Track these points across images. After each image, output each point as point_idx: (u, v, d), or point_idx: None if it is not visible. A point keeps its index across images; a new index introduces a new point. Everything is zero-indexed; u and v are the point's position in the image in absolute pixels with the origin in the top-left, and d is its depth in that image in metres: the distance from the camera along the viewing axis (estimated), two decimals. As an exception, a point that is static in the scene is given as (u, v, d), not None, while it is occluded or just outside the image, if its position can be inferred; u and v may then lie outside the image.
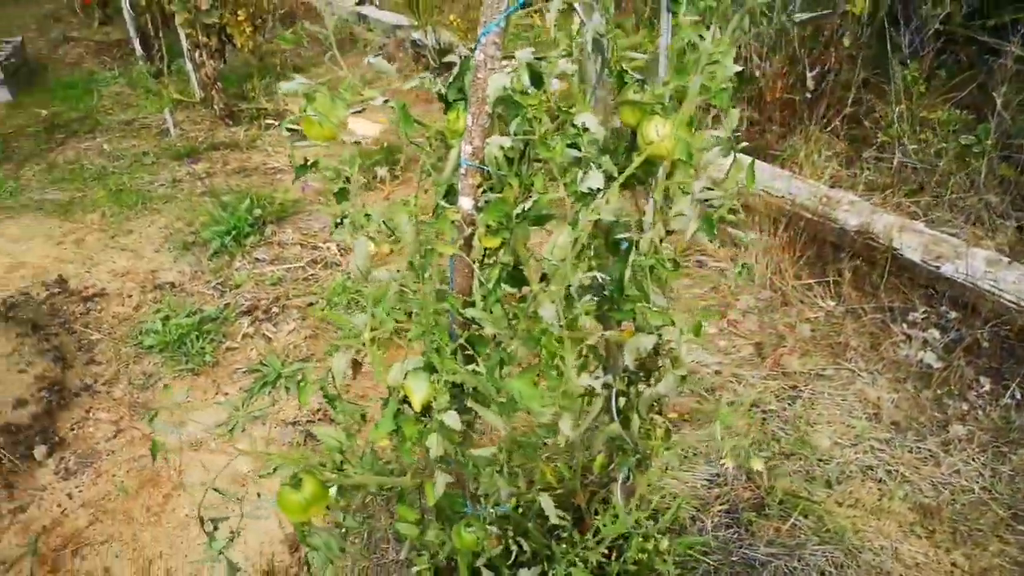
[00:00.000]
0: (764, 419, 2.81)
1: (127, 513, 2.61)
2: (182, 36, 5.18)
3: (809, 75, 3.84)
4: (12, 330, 3.50)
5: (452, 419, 1.59)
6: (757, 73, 3.88)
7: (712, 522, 2.38)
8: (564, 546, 1.97)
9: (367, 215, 1.58)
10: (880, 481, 2.59)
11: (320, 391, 1.77)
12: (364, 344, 1.70)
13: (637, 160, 1.55)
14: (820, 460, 2.65)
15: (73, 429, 2.96)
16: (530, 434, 2.63)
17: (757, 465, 1.73)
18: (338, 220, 1.60)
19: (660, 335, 1.81)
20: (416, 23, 5.76)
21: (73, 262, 3.98)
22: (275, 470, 1.40)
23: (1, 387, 3.16)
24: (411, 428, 1.65)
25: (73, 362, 3.31)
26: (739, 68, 1.56)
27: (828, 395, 2.93)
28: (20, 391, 3.14)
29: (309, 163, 1.61)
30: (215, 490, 1.54)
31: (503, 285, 1.67)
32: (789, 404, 2.89)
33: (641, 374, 1.99)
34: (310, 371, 1.76)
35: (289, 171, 4.76)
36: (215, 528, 1.46)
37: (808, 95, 3.91)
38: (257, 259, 3.87)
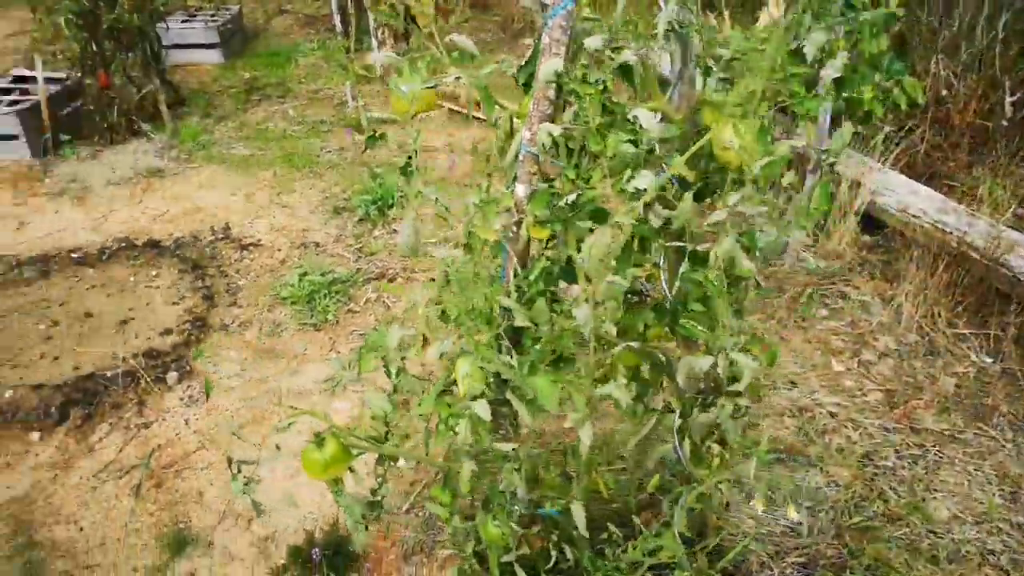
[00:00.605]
0: (875, 475, 2.54)
1: (228, 446, 2.81)
2: (371, 16, 5.47)
3: (1008, 100, 3.38)
4: (176, 266, 3.89)
5: (482, 408, 1.57)
6: (945, 92, 3.48)
7: (781, 573, 2.18)
8: (601, 561, 1.89)
9: (418, 192, 1.58)
10: (1002, 570, 2.25)
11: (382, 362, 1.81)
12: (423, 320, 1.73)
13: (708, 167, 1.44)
14: (932, 532, 2.35)
15: (204, 362, 3.24)
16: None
17: (793, 514, 1.55)
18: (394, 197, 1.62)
19: (730, 358, 1.66)
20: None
21: (240, 213, 4.35)
22: (289, 425, 1.45)
23: (154, 315, 3.52)
24: (445, 410, 1.64)
25: (218, 302, 3.62)
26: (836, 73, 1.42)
27: (959, 461, 2.59)
28: (169, 321, 3.48)
29: (378, 134, 1.63)
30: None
31: (556, 280, 1.61)
32: (910, 463, 2.59)
33: (710, 397, 1.86)
34: (380, 339, 1.79)
35: (444, 150, 4.90)
36: (239, 471, 1.53)
37: (1004, 123, 3.46)
38: (395, 230, 4.02)
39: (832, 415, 2.79)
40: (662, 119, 1.55)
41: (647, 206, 1.42)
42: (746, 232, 1.59)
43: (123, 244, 4.06)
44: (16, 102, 5.01)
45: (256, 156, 4.97)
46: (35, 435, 2.89)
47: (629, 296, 1.70)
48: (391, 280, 3.67)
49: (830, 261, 3.55)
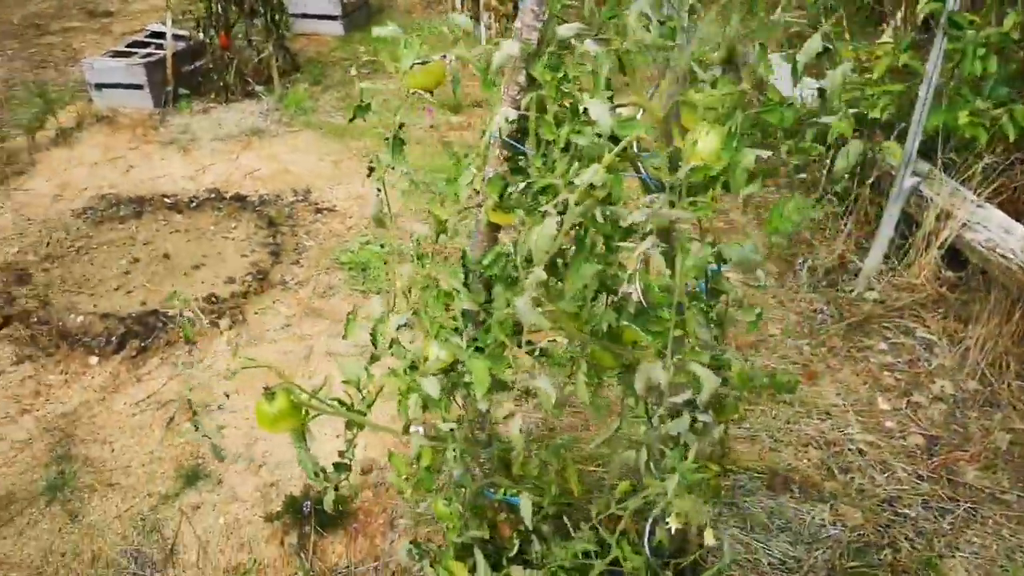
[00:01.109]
0: (892, 522, 2.37)
1: (257, 394, 2.95)
2: (482, -2, 5.55)
3: None
4: (254, 221, 4.10)
5: (430, 384, 1.58)
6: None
7: (756, 604, 2.08)
8: (549, 556, 1.86)
9: (391, 166, 1.60)
10: (1013, 647, 2.06)
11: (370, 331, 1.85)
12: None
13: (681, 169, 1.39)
14: (941, 592, 2.18)
15: (256, 313, 3.41)
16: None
17: (709, 539, 1.48)
18: (370, 165, 1.65)
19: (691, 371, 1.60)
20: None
21: (324, 178, 4.53)
22: (234, 374, 1.51)
23: (223, 264, 3.74)
24: (403, 383, 1.66)
25: (283, 259, 3.80)
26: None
27: (993, 523, 2.37)
28: (235, 271, 3.68)
29: (365, 104, 1.67)
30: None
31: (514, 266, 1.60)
32: (936, 516, 2.40)
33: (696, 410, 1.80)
34: (372, 309, 1.83)
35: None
36: (196, 428, 1.61)
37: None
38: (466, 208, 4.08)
39: (861, 452, 2.62)
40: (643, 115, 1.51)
41: (602, 202, 1.38)
42: (720, 244, 1.53)
43: (212, 195, 4.33)
44: (150, 55, 5.42)
45: (352, 126, 5.15)
46: (94, 359, 3.15)
47: (599, 294, 1.66)
48: (445, 259, 3.73)
49: (903, 293, 3.31)
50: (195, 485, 2.61)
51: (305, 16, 6.76)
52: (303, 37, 6.71)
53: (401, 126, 1.67)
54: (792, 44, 5.09)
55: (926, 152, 3.37)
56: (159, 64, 5.30)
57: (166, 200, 4.27)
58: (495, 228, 1.61)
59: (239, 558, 2.37)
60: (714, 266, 1.65)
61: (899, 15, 4.21)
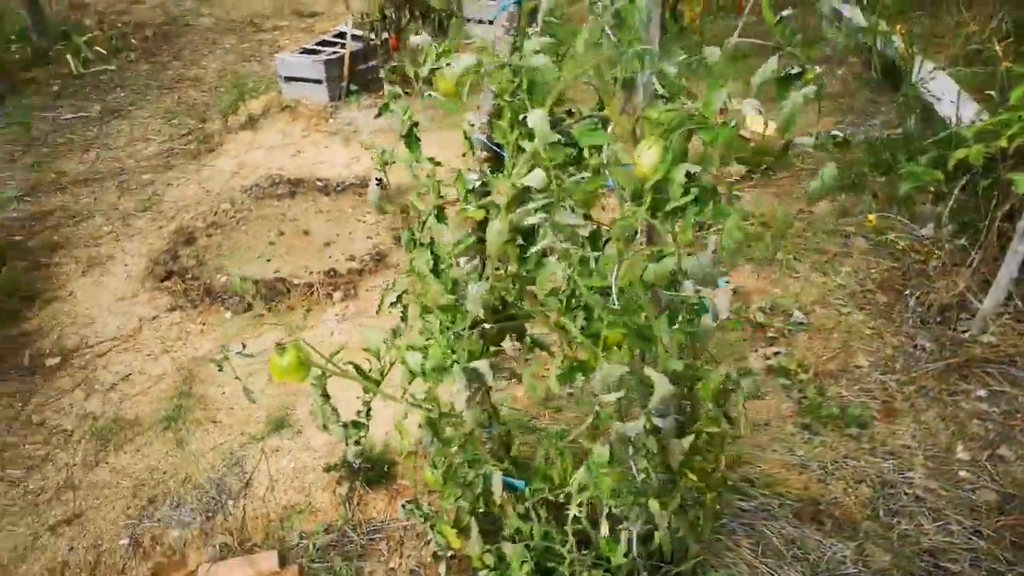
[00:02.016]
0: (928, 573, 2.22)
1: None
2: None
3: None
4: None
5: (412, 357, 1.76)
6: None
7: (741, 624, 2.06)
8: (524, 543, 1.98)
9: (386, 162, 1.80)
10: None
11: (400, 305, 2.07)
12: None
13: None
14: (963, 655, 2.03)
15: (367, 290, 3.77)
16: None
17: (604, 530, 1.53)
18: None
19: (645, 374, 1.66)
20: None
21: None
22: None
23: (351, 244, 4.14)
24: (401, 353, 1.86)
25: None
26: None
27: (1050, 596, 2.16)
28: (358, 251, 4.07)
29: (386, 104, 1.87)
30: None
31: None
32: (982, 577, 2.22)
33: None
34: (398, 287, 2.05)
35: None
36: (220, 368, 1.90)
37: None
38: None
39: (918, 499, 2.46)
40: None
41: (544, 208, 1.49)
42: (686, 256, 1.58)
43: (357, 182, 4.78)
44: (333, 53, 6.03)
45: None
46: (228, 314, 3.64)
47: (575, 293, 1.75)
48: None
49: (1020, 339, 3.02)
50: (279, 431, 2.97)
51: (480, 22, 7.15)
52: (472, 40, 7.11)
53: (415, 124, 1.85)
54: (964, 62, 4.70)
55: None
56: (337, 62, 5.89)
57: (318, 183, 4.78)
58: (475, 221, 1.76)
59: (297, 499, 2.69)
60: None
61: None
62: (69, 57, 6.55)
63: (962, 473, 2.56)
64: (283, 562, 2.42)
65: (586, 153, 1.58)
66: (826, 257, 3.69)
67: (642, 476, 1.77)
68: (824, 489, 2.52)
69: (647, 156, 1.43)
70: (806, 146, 4.51)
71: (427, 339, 1.76)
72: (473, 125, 1.60)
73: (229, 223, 4.40)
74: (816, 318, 3.31)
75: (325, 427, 1.96)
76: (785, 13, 1.45)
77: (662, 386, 1.62)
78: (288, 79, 6.01)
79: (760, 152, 4.60)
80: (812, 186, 1.58)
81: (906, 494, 2.48)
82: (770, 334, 3.22)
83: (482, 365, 1.60)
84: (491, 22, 7.10)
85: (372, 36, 5.92)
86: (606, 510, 1.85)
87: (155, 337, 3.54)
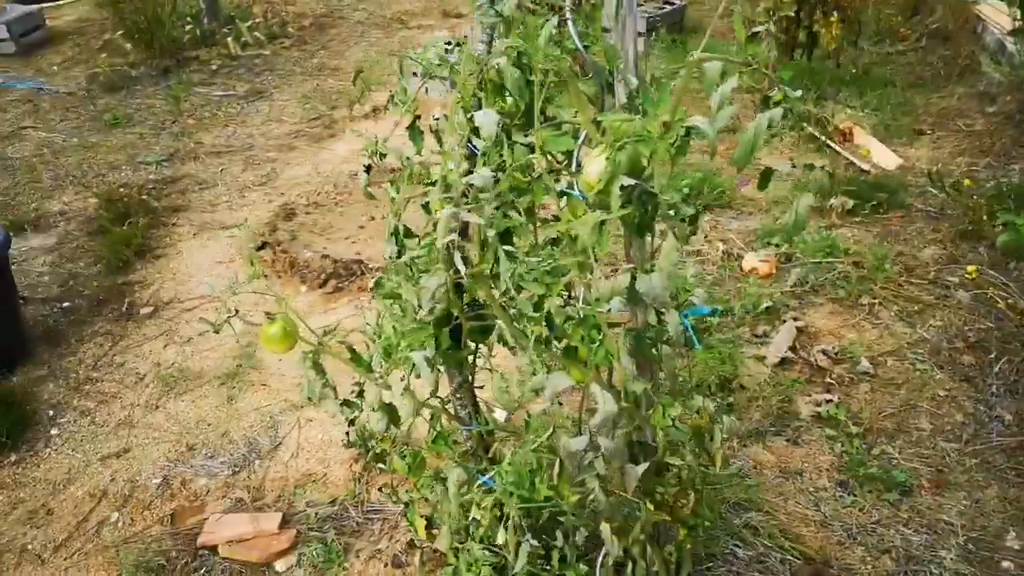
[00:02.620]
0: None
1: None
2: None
3: None
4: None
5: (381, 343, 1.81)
6: None
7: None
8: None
9: (377, 152, 1.84)
10: None
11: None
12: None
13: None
14: None
15: (435, 282, 3.86)
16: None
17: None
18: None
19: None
20: None
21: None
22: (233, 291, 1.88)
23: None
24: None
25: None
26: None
27: None
28: (438, 244, 4.18)
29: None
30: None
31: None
32: None
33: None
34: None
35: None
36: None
37: None
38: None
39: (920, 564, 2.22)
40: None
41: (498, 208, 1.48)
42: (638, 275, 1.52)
43: (455, 178, 4.89)
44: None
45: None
46: (304, 288, 3.86)
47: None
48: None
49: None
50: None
51: (606, 31, 7.11)
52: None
53: (418, 117, 1.90)
54: None
55: None
56: (463, 61, 6.06)
57: (419, 175, 4.93)
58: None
59: (316, 469, 2.81)
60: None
61: None
62: (230, 40, 7.14)
63: (1005, 563, 2.28)
64: (283, 524, 2.54)
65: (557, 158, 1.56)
66: (918, 307, 3.39)
67: (591, 496, 1.72)
68: (841, 552, 2.33)
69: (592, 165, 1.39)
70: (919, 187, 4.17)
71: (392, 325, 1.80)
72: (437, 119, 1.61)
73: (328, 204, 4.65)
74: (886, 370, 3.05)
75: (309, 399, 2.03)
76: (756, 30, 1.37)
77: (606, 405, 1.57)
78: (414, 74, 6.23)
79: (874, 187, 4.30)
80: (786, 218, 1.47)
81: (933, 573, 2.25)
82: (829, 380, 3.01)
83: (416, 357, 1.62)
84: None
85: (499, 38, 6.03)
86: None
87: (241, 302, 3.80)
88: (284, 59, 7.11)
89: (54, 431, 3.05)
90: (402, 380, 1.80)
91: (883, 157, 4.70)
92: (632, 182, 1.33)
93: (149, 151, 5.47)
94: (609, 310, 1.54)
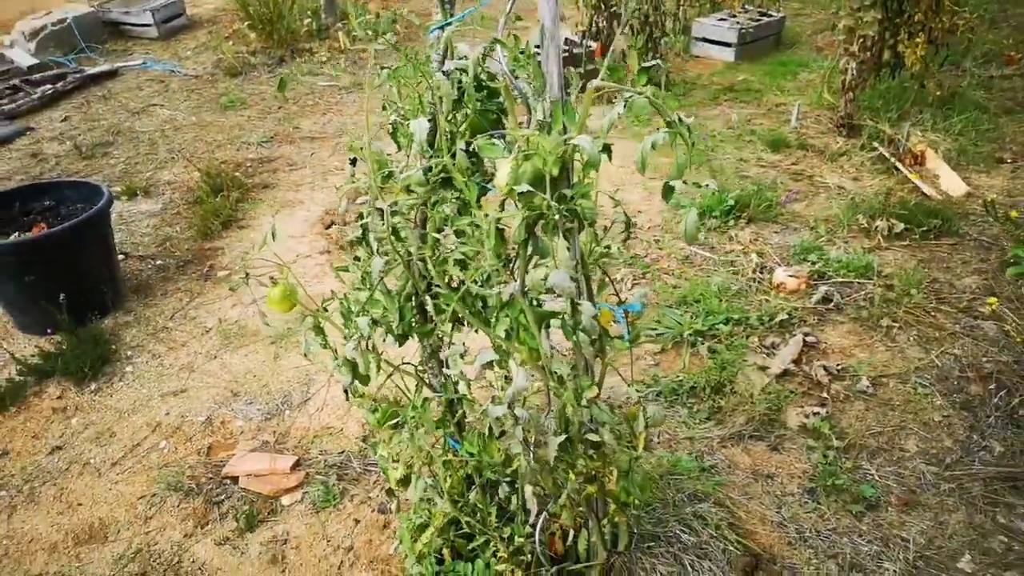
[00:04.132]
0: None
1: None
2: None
3: None
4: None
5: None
6: None
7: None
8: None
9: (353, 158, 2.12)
10: None
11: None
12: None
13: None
14: None
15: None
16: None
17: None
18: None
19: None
20: None
21: (617, 181, 5.03)
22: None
23: (483, 227, 4.55)
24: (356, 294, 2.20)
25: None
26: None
27: None
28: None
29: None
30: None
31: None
32: None
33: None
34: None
35: (830, 189, 4.70)
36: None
37: None
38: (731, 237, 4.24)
39: (878, 591, 2.30)
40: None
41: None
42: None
43: (518, 175, 5.16)
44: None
45: (668, 143, 5.48)
46: (358, 266, 4.23)
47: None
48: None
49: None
50: (349, 368, 3.47)
51: (705, 40, 7.17)
52: (697, 59, 7.16)
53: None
54: None
55: None
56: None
57: (485, 170, 5.23)
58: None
59: (335, 423, 3.16)
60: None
61: None
62: (341, 35, 7.69)
63: (951, 583, 2.34)
64: (295, 466, 2.90)
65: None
66: (938, 334, 3.38)
67: (516, 461, 1.96)
68: (789, 551, 2.45)
69: (500, 171, 1.62)
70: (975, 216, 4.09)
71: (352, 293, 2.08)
72: (389, 122, 1.88)
73: (397, 191, 5.02)
74: (885, 391, 3.09)
75: (305, 355, 2.36)
76: (649, 64, 1.56)
77: (518, 379, 1.80)
78: (503, 74, 6.54)
79: (929, 213, 4.25)
80: (681, 227, 1.66)
81: (872, 582, 2.34)
82: (824, 394, 3.08)
83: (361, 322, 1.90)
84: (723, 43, 7.09)
85: (589, 44, 6.25)
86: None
87: (300, 271, 4.23)
88: (385, 54, 7.57)
89: (128, 368, 3.55)
90: (364, 341, 2.09)
91: (951, 183, 4.60)
92: (527, 189, 1.56)
93: (253, 132, 6.04)
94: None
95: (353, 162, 2.17)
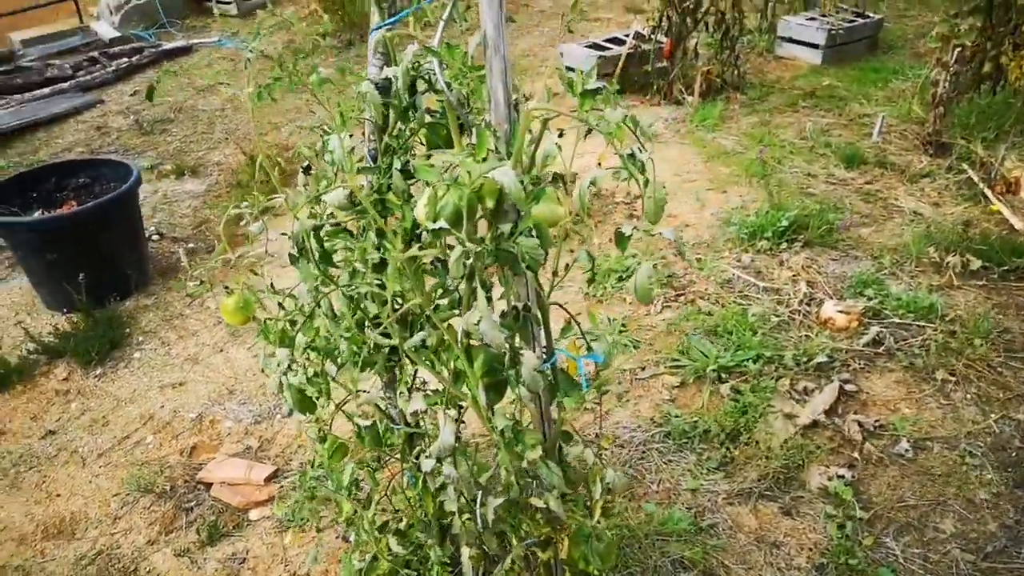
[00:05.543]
0: None
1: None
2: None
3: None
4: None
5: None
6: None
7: None
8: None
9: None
10: None
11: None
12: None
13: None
14: None
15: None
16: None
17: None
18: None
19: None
20: None
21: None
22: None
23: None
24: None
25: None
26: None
27: None
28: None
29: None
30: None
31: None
32: None
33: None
34: None
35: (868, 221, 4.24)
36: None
37: None
38: (784, 260, 3.89)
39: None
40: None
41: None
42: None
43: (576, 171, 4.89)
44: (609, 51, 6.16)
45: (732, 150, 5.11)
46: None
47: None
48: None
49: None
50: (350, 374, 3.33)
51: (791, 41, 6.68)
52: (780, 60, 6.68)
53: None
54: None
55: None
56: (612, 60, 6.00)
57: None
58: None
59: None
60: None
61: None
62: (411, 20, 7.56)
63: None
64: (272, 477, 2.78)
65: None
66: (1003, 394, 2.97)
67: (449, 518, 1.75)
68: (747, 559, 2.16)
69: (420, 203, 1.41)
70: None
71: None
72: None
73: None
74: (928, 457, 2.72)
75: (263, 370, 2.21)
76: (594, 86, 1.31)
77: (444, 434, 1.59)
78: (568, 69, 6.28)
79: (1014, 250, 3.77)
80: (631, 283, 1.41)
81: None
82: (855, 454, 2.73)
83: (300, 339, 1.72)
84: (810, 44, 6.60)
85: (656, 40, 5.91)
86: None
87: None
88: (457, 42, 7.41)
89: (136, 355, 3.52)
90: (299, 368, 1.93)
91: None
92: (442, 226, 1.33)
93: (309, 116, 5.98)
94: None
95: (306, 170, 2.00)
